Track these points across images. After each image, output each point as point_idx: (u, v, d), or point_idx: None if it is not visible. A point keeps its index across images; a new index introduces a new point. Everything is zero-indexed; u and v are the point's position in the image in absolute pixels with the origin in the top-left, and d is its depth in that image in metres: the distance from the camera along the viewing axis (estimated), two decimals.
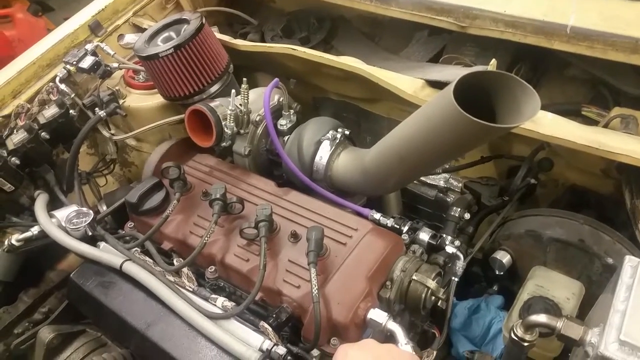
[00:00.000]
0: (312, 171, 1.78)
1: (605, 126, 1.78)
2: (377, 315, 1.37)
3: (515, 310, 1.55)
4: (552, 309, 1.50)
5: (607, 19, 1.70)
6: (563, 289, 1.56)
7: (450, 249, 1.60)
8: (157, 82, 1.88)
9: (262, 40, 2.52)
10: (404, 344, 1.30)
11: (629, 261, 1.16)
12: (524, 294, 1.58)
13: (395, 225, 1.63)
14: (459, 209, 1.75)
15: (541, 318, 1.15)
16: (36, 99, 1.99)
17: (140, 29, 2.33)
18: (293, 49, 1.98)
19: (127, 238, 1.73)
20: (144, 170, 2.01)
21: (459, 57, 2.11)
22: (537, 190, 1.92)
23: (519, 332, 1.18)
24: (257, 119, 1.84)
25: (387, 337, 1.36)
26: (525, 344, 1.18)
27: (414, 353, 1.26)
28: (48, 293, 1.91)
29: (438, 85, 1.73)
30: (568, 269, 1.65)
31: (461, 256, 1.60)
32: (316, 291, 1.33)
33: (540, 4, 1.83)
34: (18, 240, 1.74)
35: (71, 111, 1.97)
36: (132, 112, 2.04)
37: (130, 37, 2.27)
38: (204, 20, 1.84)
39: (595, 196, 1.89)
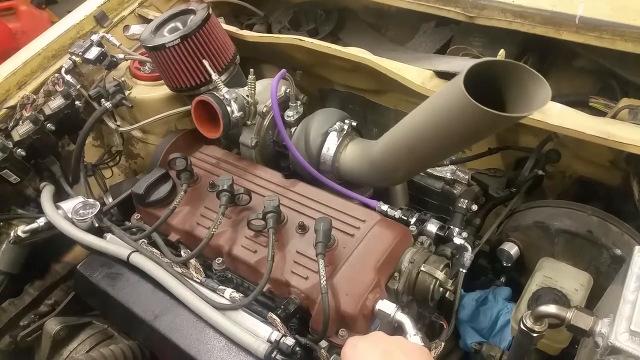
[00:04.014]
0: (319, 162, 1.77)
1: (614, 117, 1.76)
2: (386, 306, 1.37)
3: (523, 301, 1.54)
4: (561, 300, 1.49)
5: (617, 8, 1.69)
6: (571, 280, 1.55)
7: (458, 241, 1.59)
8: (163, 73, 1.88)
9: (269, 32, 2.51)
10: (413, 335, 1.29)
11: (639, 251, 1.16)
12: (532, 286, 1.57)
13: (403, 217, 1.62)
14: (467, 201, 1.74)
15: (551, 308, 1.15)
16: (42, 90, 2.00)
17: (146, 20, 2.33)
18: (300, 39, 1.97)
19: (134, 230, 1.72)
20: (150, 161, 2.01)
21: (466, 48, 2.10)
22: (545, 182, 1.91)
23: (529, 322, 1.17)
24: (264, 110, 1.83)
25: (396, 328, 1.35)
26: (535, 334, 1.17)
27: (423, 344, 1.26)
28: (54, 285, 1.92)
29: (446, 76, 1.71)
30: (576, 261, 1.64)
31: (469, 247, 1.59)
32: (324, 282, 1.32)
33: None
34: (24, 232, 1.75)
35: (77, 102, 1.97)
36: (138, 104, 2.03)
37: (136, 28, 2.27)
38: (210, 11, 1.83)
39: (603, 188, 1.88)
